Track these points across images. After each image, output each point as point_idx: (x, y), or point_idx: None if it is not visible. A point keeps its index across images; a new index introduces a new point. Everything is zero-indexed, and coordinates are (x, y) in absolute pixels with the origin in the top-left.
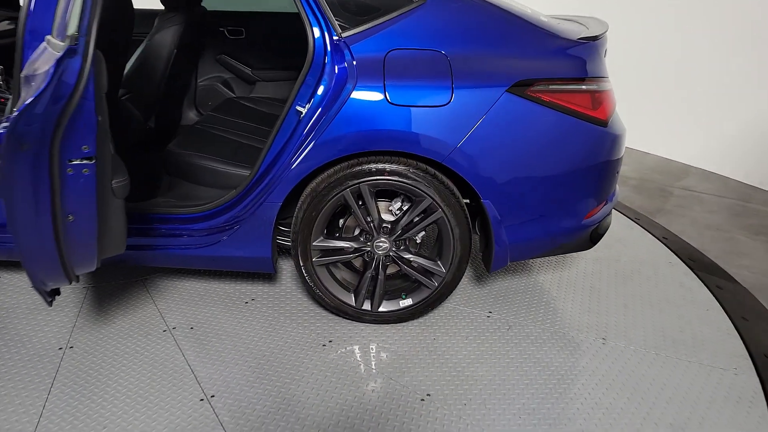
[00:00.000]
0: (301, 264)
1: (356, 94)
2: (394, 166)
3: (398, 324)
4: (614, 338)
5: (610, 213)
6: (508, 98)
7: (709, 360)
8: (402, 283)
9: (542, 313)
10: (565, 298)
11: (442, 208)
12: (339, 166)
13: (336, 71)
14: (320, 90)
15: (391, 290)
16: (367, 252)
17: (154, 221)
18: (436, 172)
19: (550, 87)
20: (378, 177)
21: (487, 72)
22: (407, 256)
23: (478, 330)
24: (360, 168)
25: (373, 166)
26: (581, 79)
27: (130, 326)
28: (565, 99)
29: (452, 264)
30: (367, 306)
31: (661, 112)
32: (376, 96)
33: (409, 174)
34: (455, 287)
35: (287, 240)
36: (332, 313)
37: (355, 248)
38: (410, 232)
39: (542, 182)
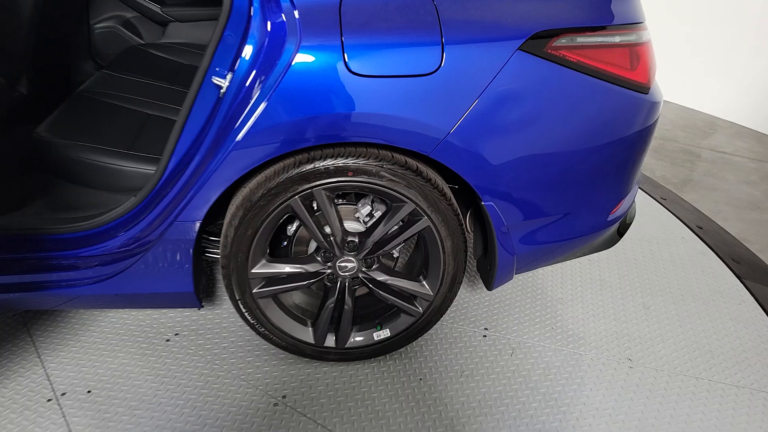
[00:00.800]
0: (237, 297)
1: (300, 59)
2: (360, 163)
3: (372, 359)
4: (641, 358)
5: (634, 199)
6: (521, 59)
7: (759, 383)
8: (376, 305)
9: (549, 324)
10: (573, 299)
11: (428, 216)
12: (282, 165)
13: (268, 26)
14: (246, 52)
15: (362, 315)
16: (328, 275)
17: (18, 247)
18: (420, 166)
19: (577, 41)
20: (339, 179)
21: (490, 21)
22: (381, 277)
23: (474, 359)
24: (312, 167)
25: (330, 163)
26: (613, 28)
27: None
28: (596, 57)
29: (442, 285)
30: (330, 342)
31: (683, 54)
32: (329, 61)
33: (382, 173)
34: (446, 311)
35: (217, 253)
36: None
37: (311, 273)
38: (385, 249)
39: (567, 174)
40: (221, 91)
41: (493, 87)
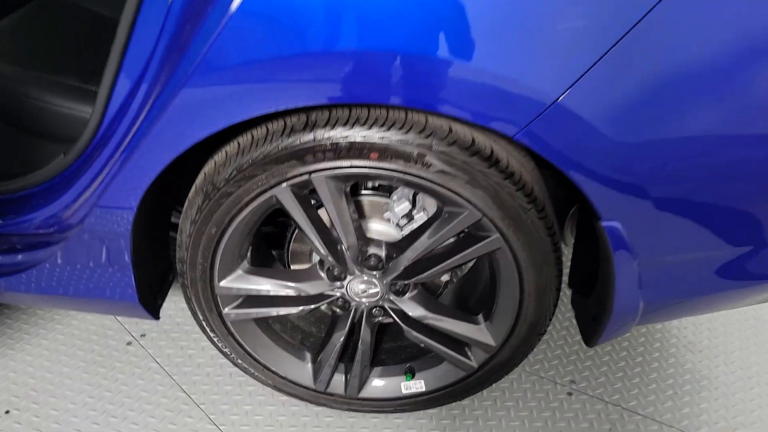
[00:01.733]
0: (201, 317)
1: None
2: (394, 138)
3: (400, 414)
4: None
5: None
6: None
7: None
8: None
9: (672, 385)
10: (710, 347)
11: (502, 233)
12: (263, 131)
13: None
14: None
15: (388, 350)
16: (336, 299)
17: None
18: (497, 150)
19: None
20: (354, 164)
21: None
22: (418, 312)
23: (551, 429)
24: (312, 138)
25: (342, 135)
26: None
27: None
28: None
29: (513, 334)
30: (337, 386)
31: None
32: None
33: (429, 158)
34: (515, 368)
35: None
36: None
37: (311, 296)
38: (424, 275)
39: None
40: None
41: (660, 12)
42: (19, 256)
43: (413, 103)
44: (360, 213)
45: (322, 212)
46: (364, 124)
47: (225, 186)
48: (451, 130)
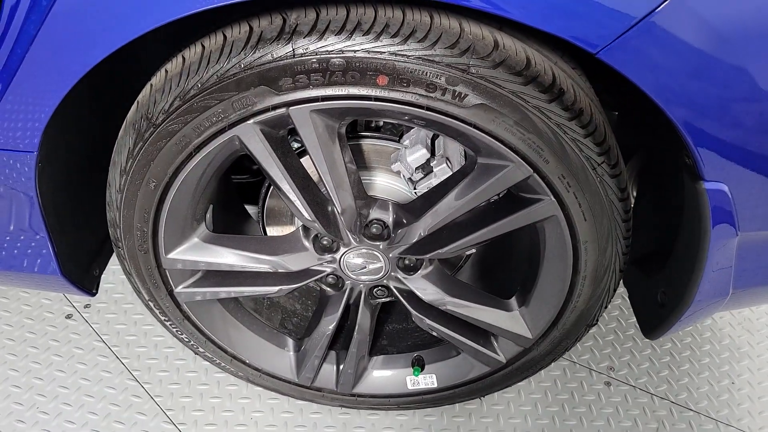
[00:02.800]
0: (146, 297)
1: None
2: (411, 54)
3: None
4: None
5: None
6: None
7: None
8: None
9: (729, 380)
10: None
11: (559, 196)
12: (218, 39)
13: None
14: None
15: (392, 332)
16: (327, 275)
17: None
18: (562, 78)
19: None
20: (350, 91)
21: None
22: (432, 294)
23: (588, 423)
24: (290, 52)
25: (335, 47)
26: None
27: None
28: None
29: (557, 324)
30: (327, 379)
31: None
32: None
33: (461, 87)
34: (552, 363)
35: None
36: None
37: (293, 273)
38: (446, 249)
39: None
40: None
41: None
42: None
43: None
44: (359, 163)
45: (306, 161)
46: (368, 32)
47: (165, 122)
48: (497, 44)
